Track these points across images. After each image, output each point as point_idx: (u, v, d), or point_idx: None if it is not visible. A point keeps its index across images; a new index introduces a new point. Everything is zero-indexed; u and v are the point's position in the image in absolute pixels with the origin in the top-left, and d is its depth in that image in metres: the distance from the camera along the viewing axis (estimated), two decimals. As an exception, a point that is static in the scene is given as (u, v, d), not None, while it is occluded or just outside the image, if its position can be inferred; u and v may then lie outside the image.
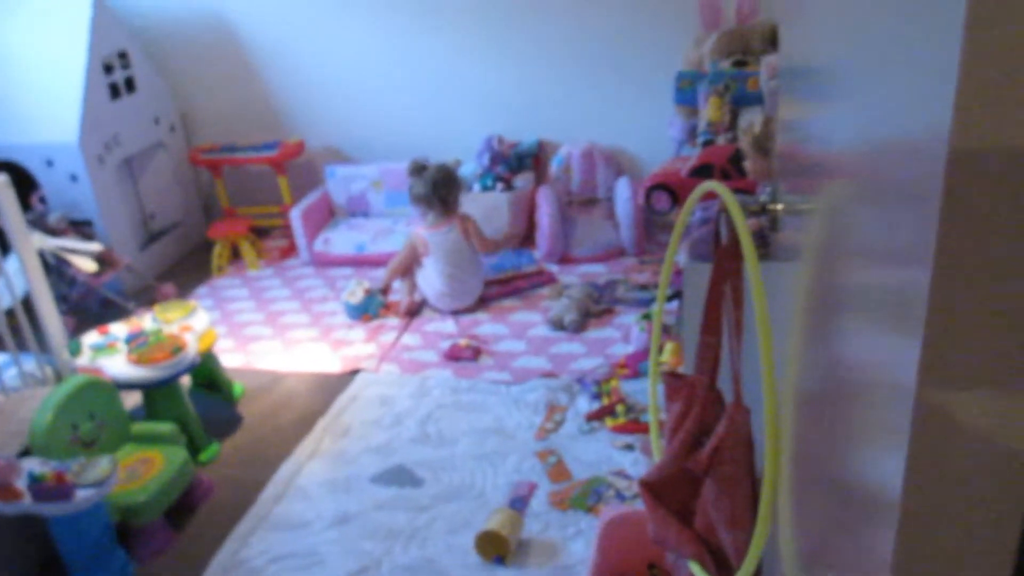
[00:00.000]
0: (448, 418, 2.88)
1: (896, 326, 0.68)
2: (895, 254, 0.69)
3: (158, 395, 2.73)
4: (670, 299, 3.27)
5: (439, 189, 3.57)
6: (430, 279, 3.59)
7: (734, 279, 1.32)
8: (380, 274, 4.16)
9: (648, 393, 1.83)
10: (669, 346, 2.96)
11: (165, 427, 2.57)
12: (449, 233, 3.63)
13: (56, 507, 2.14)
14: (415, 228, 3.63)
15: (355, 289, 3.67)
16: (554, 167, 4.31)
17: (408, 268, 3.64)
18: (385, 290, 3.88)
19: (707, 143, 3.04)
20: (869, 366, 0.76)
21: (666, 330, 3.06)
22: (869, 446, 0.76)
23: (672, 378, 1.45)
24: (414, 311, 3.67)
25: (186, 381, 3.11)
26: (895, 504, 0.66)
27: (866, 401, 0.77)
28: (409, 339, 3.49)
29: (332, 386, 3.19)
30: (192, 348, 2.76)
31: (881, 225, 0.73)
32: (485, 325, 3.54)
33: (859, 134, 0.81)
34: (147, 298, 4.10)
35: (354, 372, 3.26)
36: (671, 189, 2.80)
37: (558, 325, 3.41)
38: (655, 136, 4.14)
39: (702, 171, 2.75)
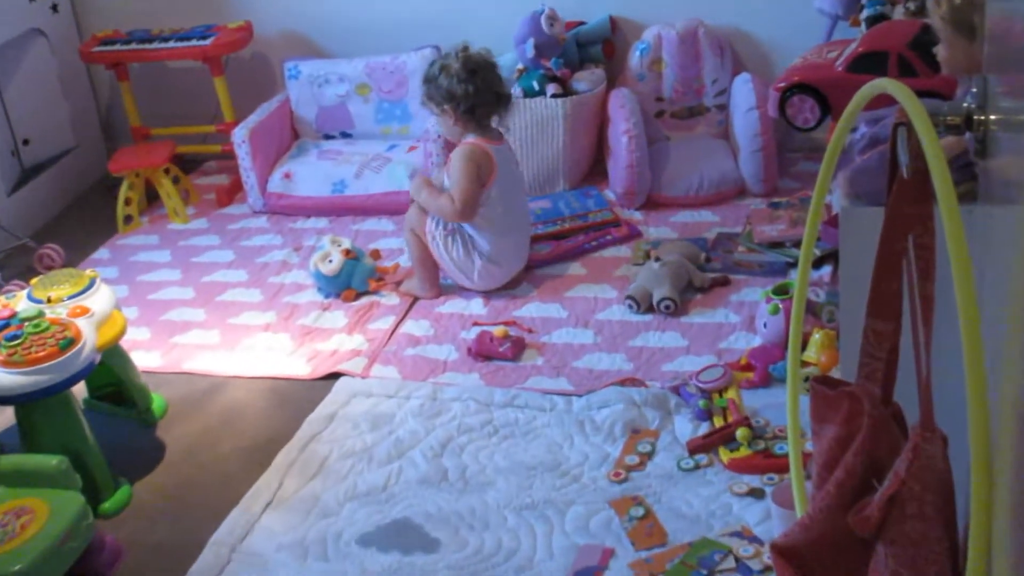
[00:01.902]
0: (475, 448, 2.88)
1: None
2: None
3: (38, 413, 2.73)
4: (818, 263, 3.24)
5: (493, 79, 3.53)
6: (483, 233, 3.54)
7: (919, 232, 1.31)
8: (370, 227, 4.16)
9: (787, 411, 1.80)
10: (817, 337, 2.92)
11: (50, 461, 2.58)
12: (510, 155, 3.64)
13: None
14: (466, 140, 3.53)
15: (330, 250, 3.68)
16: (636, 60, 4.25)
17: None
18: (376, 252, 3.89)
19: (876, 19, 2.99)
20: None
21: (812, 311, 3.01)
22: None
23: (824, 388, 1.45)
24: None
25: (81, 391, 3.12)
26: None
27: None
28: (414, 327, 3.49)
29: (299, 399, 3.18)
30: (89, 341, 2.77)
31: None
32: (530, 304, 3.53)
33: None
34: (20, 266, 4.14)
35: (332, 378, 3.26)
36: (819, 91, 2.74)
37: (644, 304, 3.39)
38: (794, 9, 4.07)
39: (868, 62, 2.70)
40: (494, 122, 3.58)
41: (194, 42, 4.50)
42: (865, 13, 3.03)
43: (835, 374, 2.59)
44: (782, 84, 2.81)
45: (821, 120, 2.82)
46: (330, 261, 3.66)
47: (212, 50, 4.46)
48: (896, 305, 1.37)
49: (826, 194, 1.52)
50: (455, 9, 4.48)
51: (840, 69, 2.77)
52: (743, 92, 4.02)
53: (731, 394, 2.90)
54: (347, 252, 3.67)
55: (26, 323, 2.79)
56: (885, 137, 2.10)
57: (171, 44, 4.53)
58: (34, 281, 3.04)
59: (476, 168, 3.47)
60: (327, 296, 3.71)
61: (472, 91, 3.45)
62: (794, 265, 3.48)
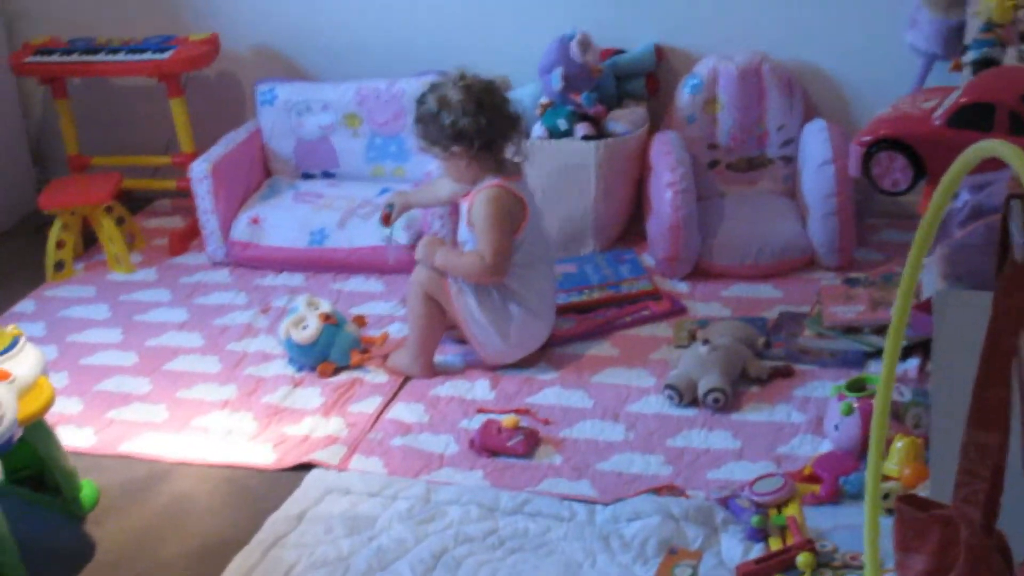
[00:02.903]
0: (476, 563, 2.86)
1: None
2: None
3: (-57, 497, 2.74)
4: (903, 355, 3.23)
5: (501, 103, 3.60)
6: (503, 298, 3.58)
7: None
8: (355, 287, 4.17)
9: (863, 535, 1.79)
10: (899, 445, 2.90)
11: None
12: (528, 188, 3.68)
13: None
14: (489, 183, 3.56)
15: (305, 314, 3.69)
16: (685, 98, 4.28)
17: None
18: (360, 319, 3.91)
19: (983, 63, 3.01)
20: None
21: (895, 414, 3.01)
22: None
23: (912, 509, 1.43)
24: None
25: (-6, 473, 3.13)
26: None
27: None
28: (405, 411, 3.49)
29: (261, 493, 3.18)
30: (8, 413, 2.75)
31: None
32: (548, 390, 3.54)
33: None
34: (-74, 317, 4.15)
35: (302, 469, 3.27)
36: (912, 149, 2.77)
37: (687, 396, 3.39)
38: (881, 47, 4.12)
39: (972, 116, 2.71)
40: (510, 152, 3.62)
41: (148, 56, 4.53)
42: (969, 56, 3.03)
43: (922, 492, 2.59)
44: (867, 138, 2.83)
45: (914, 183, 2.82)
46: (305, 327, 3.67)
47: (169, 66, 4.49)
48: (1004, 415, 1.35)
49: (919, 273, 1.52)
50: (466, 29, 4.54)
51: (938, 123, 2.78)
52: (816, 142, 4.04)
53: (792, 510, 2.87)
54: (326, 317, 3.69)
55: (-66, 387, 2.79)
56: (991, 208, 2.12)
57: (120, 57, 4.57)
58: (-54, 336, 3.03)
59: (506, 215, 3.53)
60: (300, 369, 3.72)
61: (485, 123, 3.50)
62: (873, 356, 3.49)
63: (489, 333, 3.60)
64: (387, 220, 3.81)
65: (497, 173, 3.57)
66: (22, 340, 3.04)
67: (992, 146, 1.26)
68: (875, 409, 1.71)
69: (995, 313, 1.34)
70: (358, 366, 3.71)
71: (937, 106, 2.87)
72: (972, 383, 1.36)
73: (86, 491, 3.19)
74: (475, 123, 3.49)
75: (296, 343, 3.68)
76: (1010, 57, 3.00)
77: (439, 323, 3.65)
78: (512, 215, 3.54)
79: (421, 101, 3.60)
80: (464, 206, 3.64)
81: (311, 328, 3.66)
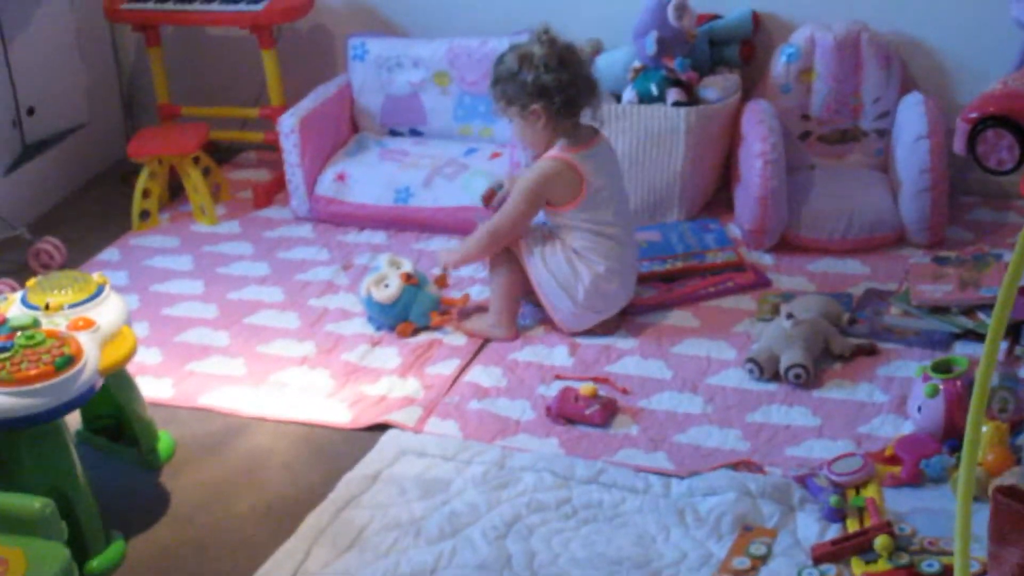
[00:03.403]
0: (548, 532, 2.86)
1: None
2: None
3: (23, 443, 2.75)
4: (1006, 337, 3.17)
5: (583, 64, 3.59)
6: (569, 260, 3.57)
7: None
8: (439, 245, 4.18)
9: (955, 522, 1.76)
10: (985, 429, 2.87)
11: (31, 504, 2.59)
12: (610, 153, 3.67)
13: None
14: (553, 153, 3.57)
15: (387, 273, 3.69)
16: (781, 67, 4.26)
17: (514, 240, 3.64)
18: (442, 279, 3.91)
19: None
20: None
21: (992, 398, 2.97)
22: None
23: (1010, 501, 1.42)
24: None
25: (74, 421, 3.15)
26: None
27: None
28: (483, 374, 3.50)
29: (336, 452, 3.20)
30: (91, 360, 2.78)
31: None
32: (627, 359, 3.54)
33: None
34: (11, 262, 4.21)
35: (378, 429, 3.28)
36: (1021, 127, 2.70)
37: (768, 370, 3.38)
38: (983, 21, 4.07)
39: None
40: (586, 117, 3.60)
41: (243, 6, 4.54)
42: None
43: (1009, 478, 2.55)
44: (974, 115, 2.77)
45: (1020, 163, 2.76)
46: (386, 286, 3.68)
47: (264, 17, 4.50)
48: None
49: None
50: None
51: (1051, 102, 2.73)
52: (912, 116, 4.00)
53: (871, 491, 2.85)
54: (407, 277, 3.69)
55: (18, 333, 2.81)
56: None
57: (215, 7, 4.59)
58: (30, 282, 3.07)
59: (544, 192, 3.55)
60: (379, 328, 3.73)
61: (567, 80, 3.49)
62: (960, 336, 3.47)
63: (559, 295, 3.59)
64: (488, 199, 3.77)
65: (570, 138, 3.55)
66: (107, 289, 3.06)
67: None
68: (976, 389, 1.66)
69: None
70: (438, 327, 3.71)
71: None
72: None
73: (163, 443, 3.22)
74: (557, 79, 3.48)
75: (377, 302, 3.68)
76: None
77: (519, 285, 3.65)
78: (560, 191, 3.54)
79: (500, 61, 3.60)
80: None
81: (392, 287, 3.66)
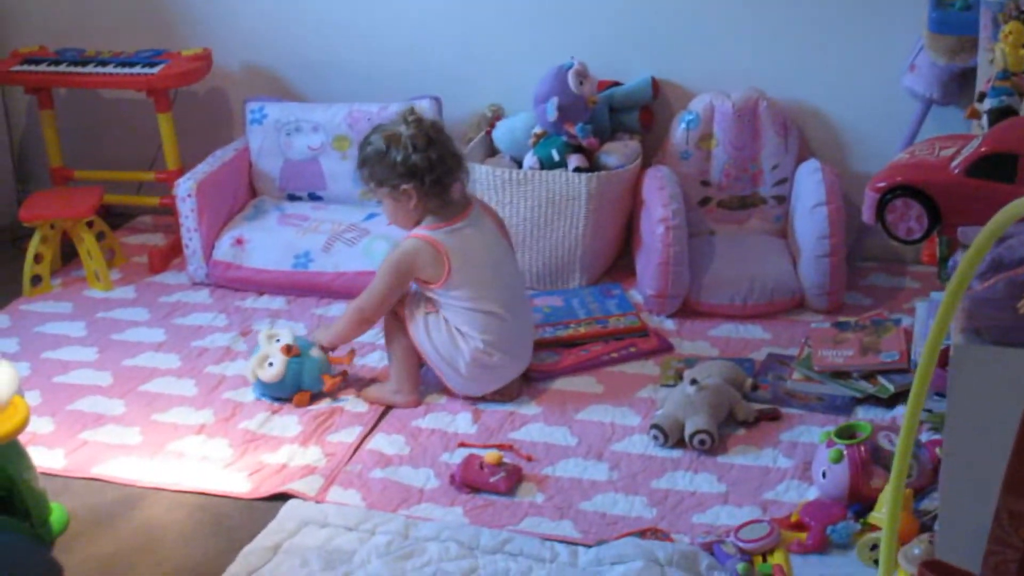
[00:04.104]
0: (454, 602, 2.84)
1: None
2: None
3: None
4: (894, 402, 3.21)
5: (448, 141, 3.59)
6: (450, 333, 3.56)
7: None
8: (339, 311, 4.13)
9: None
10: (884, 488, 2.87)
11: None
12: (480, 226, 3.64)
13: None
14: (416, 232, 3.59)
15: (267, 350, 3.63)
16: (680, 133, 4.29)
17: (390, 311, 3.63)
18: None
19: (1001, 112, 2.99)
20: None
21: (882, 463, 2.98)
22: None
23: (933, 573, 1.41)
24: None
25: (-39, 493, 3.08)
26: None
27: None
28: (385, 443, 3.47)
29: (235, 523, 3.15)
30: (-21, 432, 2.74)
31: None
32: (531, 426, 3.52)
33: None
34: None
35: (278, 499, 3.23)
36: (929, 197, 2.74)
37: (673, 436, 3.37)
38: (877, 87, 4.13)
39: (993, 166, 2.67)
40: (456, 192, 3.61)
41: (138, 69, 4.52)
42: (987, 104, 3.03)
43: (916, 545, 2.56)
44: (883, 184, 2.79)
45: (929, 231, 2.79)
46: (270, 364, 3.61)
47: (160, 81, 4.48)
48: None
49: (947, 328, 1.48)
50: (460, 55, 4.54)
51: (957, 172, 2.76)
52: (810, 183, 4.04)
53: (778, 558, 2.86)
54: (288, 349, 3.62)
55: (-98, 403, 2.76)
56: (1011, 262, 2.09)
57: (110, 69, 4.55)
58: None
59: (407, 272, 3.56)
60: (270, 401, 3.69)
61: (436, 158, 3.51)
62: (862, 401, 3.48)
63: (443, 365, 3.59)
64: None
65: (438, 215, 3.57)
66: (-4, 357, 3.00)
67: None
68: (896, 457, 1.66)
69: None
70: (332, 391, 3.68)
71: (955, 154, 2.84)
72: (988, 439, 1.35)
73: (56, 515, 3.14)
74: (426, 158, 3.50)
75: (265, 383, 3.64)
76: (1030, 105, 3.00)
77: (416, 351, 3.61)
78: (426, 270, 3.54)
79: (367, 142, 3.61)
80: None
81: (277, 364, 3.61)
